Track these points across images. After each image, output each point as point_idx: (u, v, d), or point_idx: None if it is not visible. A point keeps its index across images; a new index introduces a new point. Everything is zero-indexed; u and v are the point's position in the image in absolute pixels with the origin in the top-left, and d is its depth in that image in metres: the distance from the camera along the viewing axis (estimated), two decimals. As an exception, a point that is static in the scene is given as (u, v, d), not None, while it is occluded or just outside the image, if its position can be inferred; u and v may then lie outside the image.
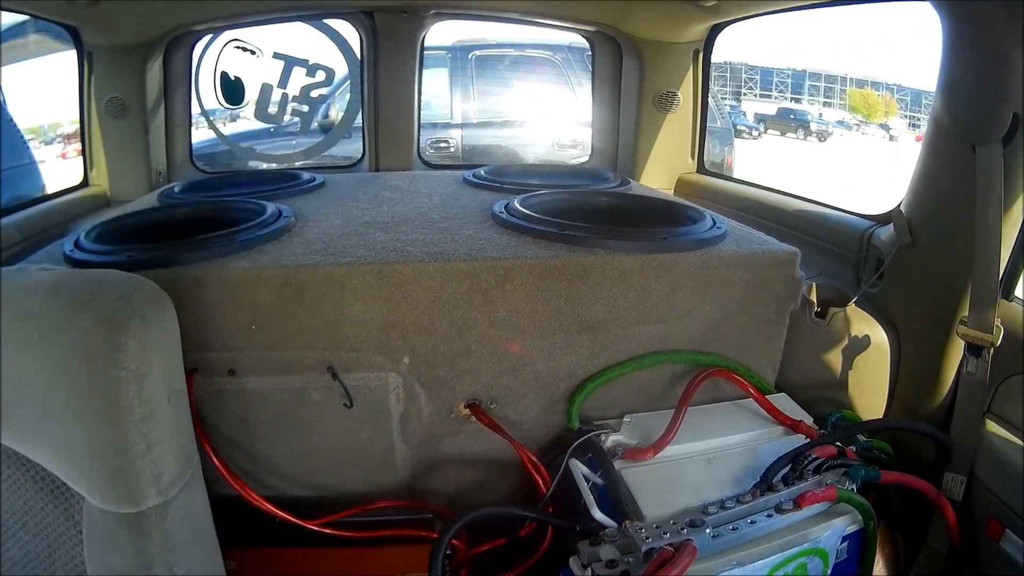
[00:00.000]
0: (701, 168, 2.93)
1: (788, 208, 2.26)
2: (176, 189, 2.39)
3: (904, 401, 1.68)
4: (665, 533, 1.23)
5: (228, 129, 3.17)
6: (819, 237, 2.03)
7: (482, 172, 2.55)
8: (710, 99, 2.94)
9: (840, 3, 2.08)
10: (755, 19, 2.48)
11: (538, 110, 4.66)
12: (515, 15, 2.89)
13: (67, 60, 2.78)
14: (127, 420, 0.98)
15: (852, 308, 1.72)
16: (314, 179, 2.47)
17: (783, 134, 13.67)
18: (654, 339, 1.68)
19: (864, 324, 1.71)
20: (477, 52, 4.63)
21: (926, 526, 1.56)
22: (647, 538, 1.22)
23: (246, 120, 3.21)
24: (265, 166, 3.22)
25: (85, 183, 2.84)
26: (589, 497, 1.40)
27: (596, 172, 2.71)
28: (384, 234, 1.75)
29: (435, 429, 1.71)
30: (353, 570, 1.62)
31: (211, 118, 3.00)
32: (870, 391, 1.72)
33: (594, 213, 1.97)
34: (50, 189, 3.26)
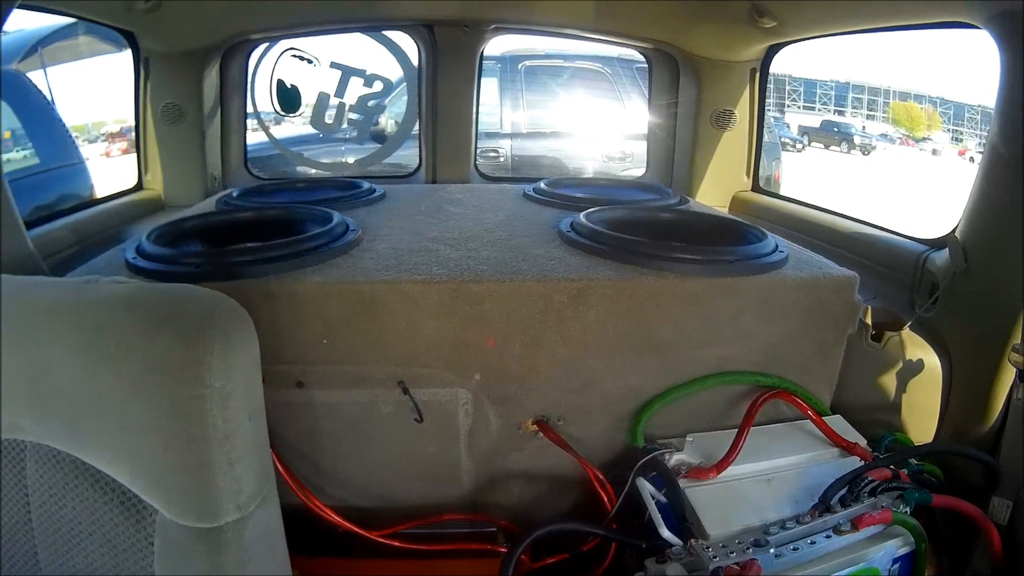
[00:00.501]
0: (756, 186, 2.95)
1: (843, 229, 2.28)
2: (234, 194, 2.44)
3: (954, 425, 1.70)
4: (731, 552, 1.28)
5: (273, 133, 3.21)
6: (873, 260, 2.05)
7: (542, 186, 2.58)
8: (757, 114, 2.95)
9: (896, 28, 2.10)
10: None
11: (587, 121, 4.64)
12: (575, 30, 2.93)
13: (115, 62, 2.84)
14: (210, 438, 0.97)
15: (906, 332, 1.75)
16: (374, 190, 2.51)
17: (827, 147, 13.37)
18: (718, 360, 1.71)
19: (918, 348, 1.72)
20: (527, 62, 4.62)
21: (971, 549, 1.56)
22: (714, 557, 1.27)
23: (290, 124, 3.27)
24: (313, 172, 3.28)
25: (139, 187, 2.89)
26: (656, 515, 1.43)
27: (654, 186, 2.74)
28: (454, 251, 1.79)
29: (502, 444, 1.74)
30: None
31: (265, 124, 3.06)
32: (921, 414, 1.74)
33: (658, 231, 2.01)
34: (97, 187, 3.34)
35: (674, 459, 1.59)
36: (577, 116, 4.74)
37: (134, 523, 1.02)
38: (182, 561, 1.01)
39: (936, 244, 1.87)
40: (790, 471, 1.58)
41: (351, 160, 3.25)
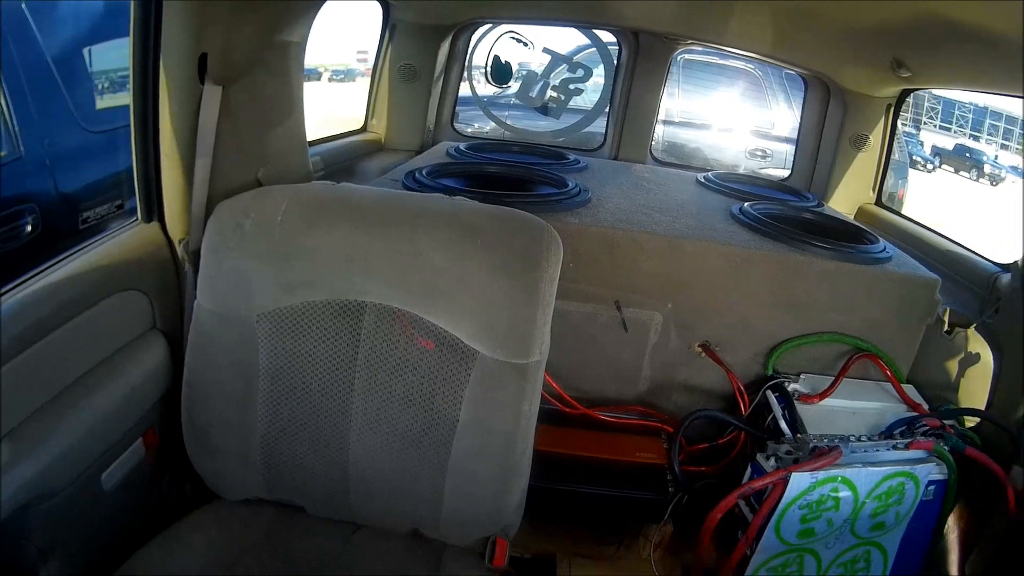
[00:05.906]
0: (879, 201, 3.55)
1: (938, 245, 2.81)
2: (461, 147, 3.19)
3: (998, 408, 2.07)
4: (824, 440, 1.87)
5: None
6: (958, 272, 2.55)
7: (711, 176, 3.29)
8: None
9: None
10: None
11: (734, 117, 5.05)
12: (752, 54, 3.61)
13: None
14: (538, 305, 1.42)
15: (972, 331, 2.18)
16: (578, 161, 3.21)
17: (956, 171, 13.51)
18: (833, 323, 2.28)
19: (978, 345, 2.15)
20: (685, 55, 4.82)
21: (994, 505, 1.94)
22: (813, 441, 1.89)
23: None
24: (502, 133, 3.98)
25: (364, 129, 3.68)
26: (780, 413, 2.13)
27: (800, 191, 3.42)
28: (664, 216, 2.42)
29: (674, 359, 2.36)
30: (607, 447, 2.25)
31: (475, 90, 3.82)
32: (973, 396, 2.16)
33: (804, 224, 2.59)
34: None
35: (791, 387, 2.23)
36: (725, 111, 5.12)
37: (458, 360, 1.47)
38: (495, 386, 1.46)
39: (1006, 267, 2.34)
40: (870, 411, 2.15)
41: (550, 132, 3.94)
